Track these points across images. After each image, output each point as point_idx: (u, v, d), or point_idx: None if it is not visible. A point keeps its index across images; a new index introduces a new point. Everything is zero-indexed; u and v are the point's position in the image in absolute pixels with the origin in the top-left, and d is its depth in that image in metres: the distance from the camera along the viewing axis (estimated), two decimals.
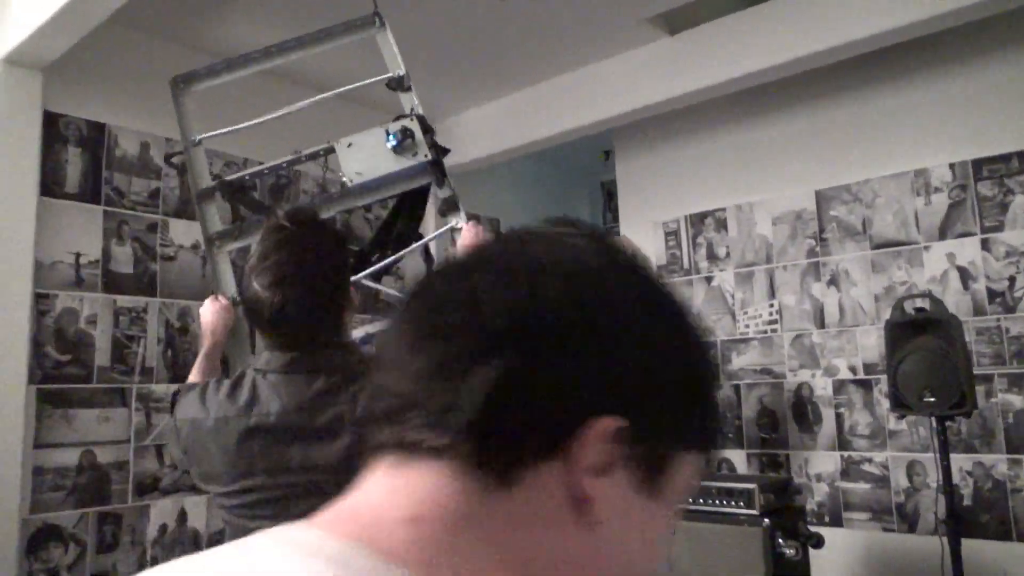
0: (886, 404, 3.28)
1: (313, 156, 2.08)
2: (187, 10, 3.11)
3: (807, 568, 2.37)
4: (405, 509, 0.44)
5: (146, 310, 3.12)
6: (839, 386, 3.53)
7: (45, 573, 2.73)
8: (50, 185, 2.91)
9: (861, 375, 3.47)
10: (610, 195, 5.35)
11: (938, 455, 2.70)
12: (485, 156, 4.23)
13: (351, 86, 2.05)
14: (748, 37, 3.25)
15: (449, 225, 1.90)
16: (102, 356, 2.98)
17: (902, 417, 3.28)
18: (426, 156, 1.86)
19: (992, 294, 3.18)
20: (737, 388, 3.85)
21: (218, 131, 2.13)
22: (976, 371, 3.00)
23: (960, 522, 2.65)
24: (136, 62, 3.21)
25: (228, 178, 2.16)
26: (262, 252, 1.31)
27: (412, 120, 1.91)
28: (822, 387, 3.58)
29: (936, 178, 3.35)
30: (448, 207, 1.91)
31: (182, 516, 3.11)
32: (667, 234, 4.19)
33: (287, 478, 1.27)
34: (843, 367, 3.53)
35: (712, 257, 4.02)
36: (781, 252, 3.79)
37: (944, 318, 2.68)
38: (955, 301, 3.22)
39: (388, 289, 2.11)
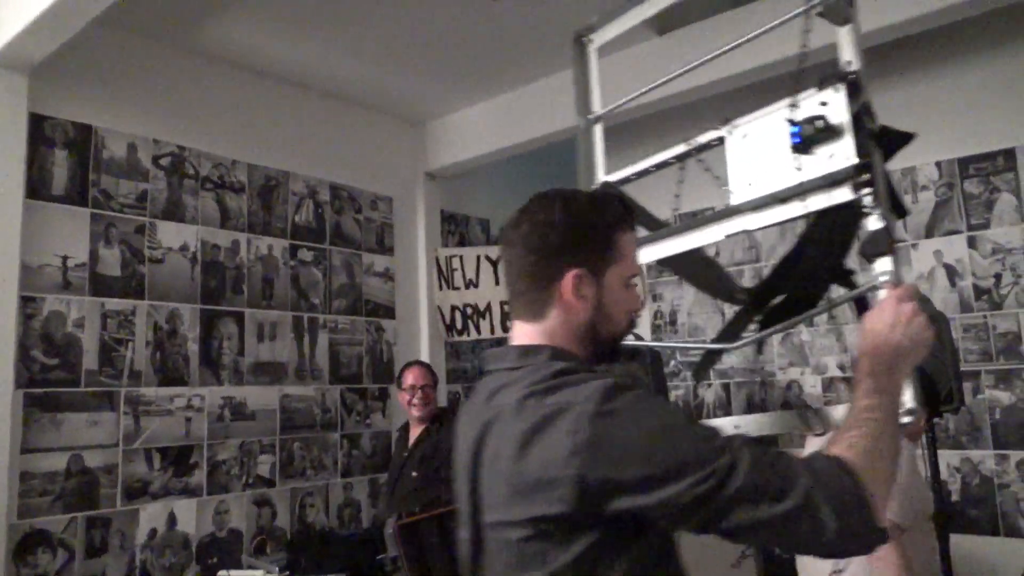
0: None
1: (705, 147, 1.52)
2: (175, 11, 3.09)
3: (793, 566, 2.39)
4: None
5: (134, 313, 3.10)
6: (828, 384, 3.55)
7: None
8: (36, 188, 2.89)
9: (850, 373, 3.48)
10: None
11: (926, 451, 2.71)
12: (476, 156, 4.23)
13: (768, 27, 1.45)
14: (735, 37, 3.25)
15: (872, 281, 1.13)
16: (90, 359, 2.96)
17: None
18: (849, 159, 1.14)
19: (979, 291, 3.20)
20: (727, 387, 3.87)
21: (619, 104, 1.73)
22: (963, 368, 3.02)
23: (948, 518, 2.66)
24: (123, 63, 3.19)
25: (612, 179, 1.69)
26: None
27: (837, 89, 1.17)
28: (811, 385, 3.60)
29: (923, 176, 3.37)
30: (873, 245, 1.13)
31: (172, 520, 3.10)
32: None
33: None
34: (832, 365, 3.54)
35: None
36: (771, 250, 3.81)
37: (931, 315, 2.68)
38: (942, 298, 3.24)
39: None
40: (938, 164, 3.33)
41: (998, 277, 3.17)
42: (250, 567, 3.17)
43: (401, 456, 3.17)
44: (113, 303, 3.05)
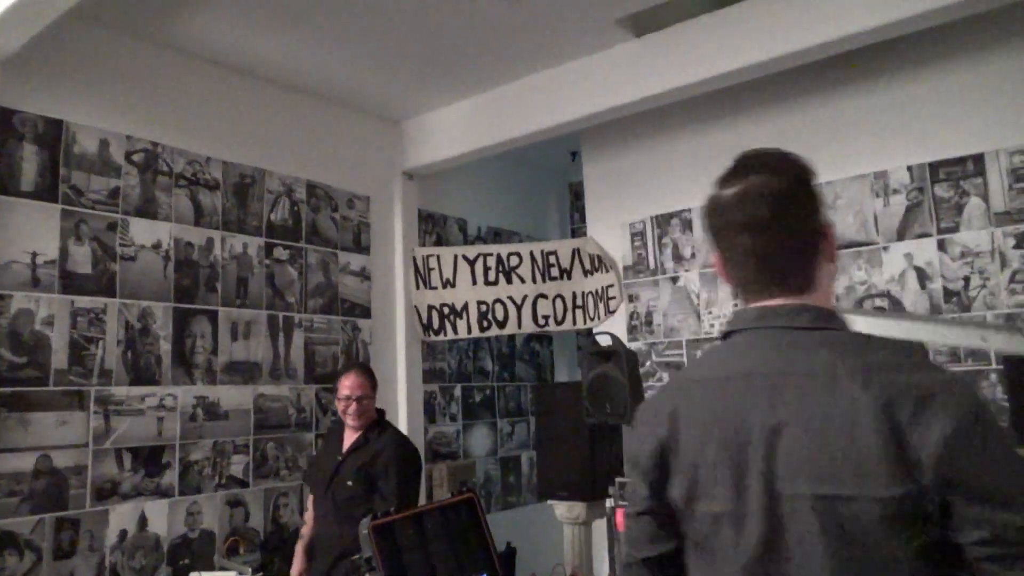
0: None
1: None
2: (149, 5, 3.05)
3: None
4: None
5: (105, 311, 3.05)
6: None
7: None
8: (4, 183, 2.83)
9: None
10: (577, 195, 5.38)
11: None
12: (453, 156, 4.22)
13: None
14: (713, 40, 3.28)
15: None
16: (59, 358, 2.91)
17: None
18: None
19: (948, 293, 3.26)
20: None
21: None
22: None
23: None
24: (95, 57, 3.14)
25: None
26: None
27: None
28: None
29: (895, 180, 3.42)
30: None
31: (142, 521, 3.06)
32: (633, 235, 4.22)
33: None
34: None
35: (678, 258, 4.06)
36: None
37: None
38: (913, 300, 3.29)
39: None
40: (909, 168, 3.38)
41: (966, 280, 3.22)
42: (222, 568, 3.14)
43: (334, 457, 2.99)
44: (83, 301, 3.00)
